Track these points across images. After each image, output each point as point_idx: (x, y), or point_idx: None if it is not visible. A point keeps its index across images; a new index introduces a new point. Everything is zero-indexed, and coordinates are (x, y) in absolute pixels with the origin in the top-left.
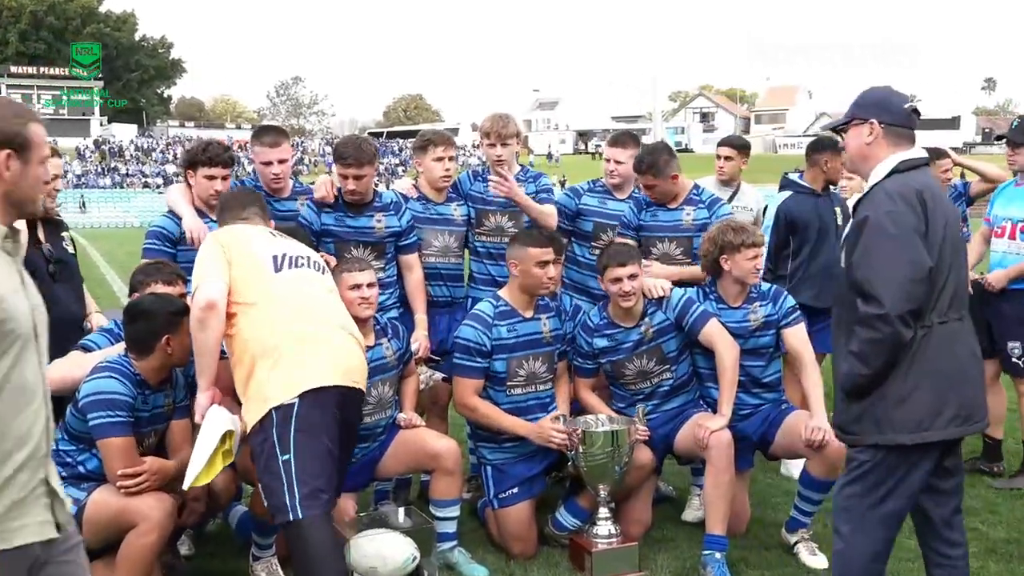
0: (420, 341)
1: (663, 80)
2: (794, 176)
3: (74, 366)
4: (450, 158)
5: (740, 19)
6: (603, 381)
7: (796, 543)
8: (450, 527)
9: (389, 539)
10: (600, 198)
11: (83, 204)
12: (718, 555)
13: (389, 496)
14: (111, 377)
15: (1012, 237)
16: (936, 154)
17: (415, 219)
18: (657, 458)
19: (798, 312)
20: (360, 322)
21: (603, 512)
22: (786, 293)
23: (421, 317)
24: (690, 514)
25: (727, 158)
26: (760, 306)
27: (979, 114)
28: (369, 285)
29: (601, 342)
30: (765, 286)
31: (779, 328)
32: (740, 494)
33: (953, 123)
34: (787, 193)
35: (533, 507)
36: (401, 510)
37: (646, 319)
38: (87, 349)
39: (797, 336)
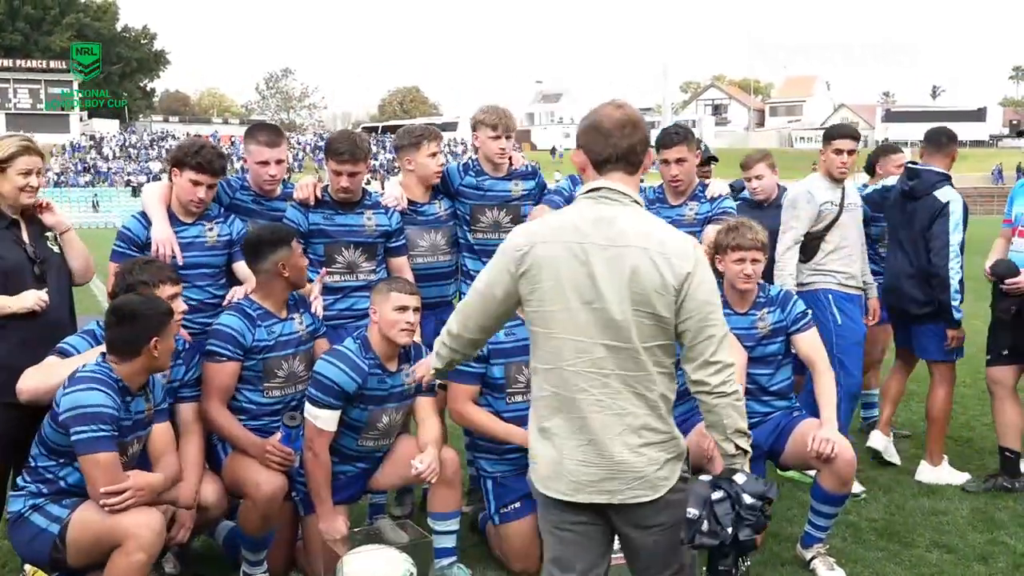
0: None
1: (673, 70)
2: (932, 168)
3: (49, 374)
4: (440, 152)
5: (740, 19)
6: None
7: (812, 559)
8: (449, 541)
9: (384, 555)
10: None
11: (95, 204)
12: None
13: (384, 510)
14: (94, 389)
15: None
16: (890, 149)
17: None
18: None
19: (808, 317)
20: (392, 347)
21: None
22: (796, 298)
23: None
24: None
25: (850, 152)
26: (768, 312)
27: (1007, 105)
28: (416, 309)
29: None
30: (774, 290)
31: (789, 334)
32: None
33: (979, 115)
34: (946, 187)
35: (536, 522)
36: (397, 524)
37: None
38: (64, 353)
39: (809, 342)
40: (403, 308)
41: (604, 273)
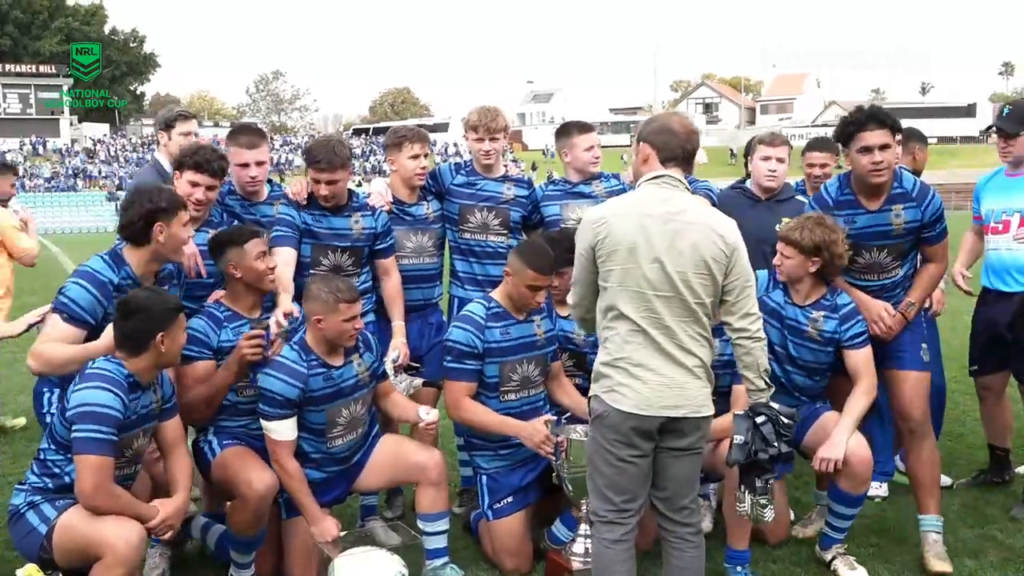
0: (400, 349)
1: (664, 69)
2: None
3: (56, 352)
4: (424, 155)
5: (733, 20)
6: None
7: (832, 559)
8: (440, 542)
9: (375, 558)
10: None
11: (119, 208)
12: (739, 568)
13: (376, 511)
14: (103, 389)
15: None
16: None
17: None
18: None
19: (865, 336)
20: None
21: (583, 529)
22: (860, 318)
23: (399, 324)
24: None
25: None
26: (824, 317)
27: (996, 100)
28: (362, 313)
29: None
30: (844, 300)
31: (841, 347)
32: (778, 500)
33: (969, 111)
34: None
35: (528, 520)
36: (388, 526)
37: None
38: (68, 313)
39: (859, 359)
40: (352, 318)
41: (667, 242)
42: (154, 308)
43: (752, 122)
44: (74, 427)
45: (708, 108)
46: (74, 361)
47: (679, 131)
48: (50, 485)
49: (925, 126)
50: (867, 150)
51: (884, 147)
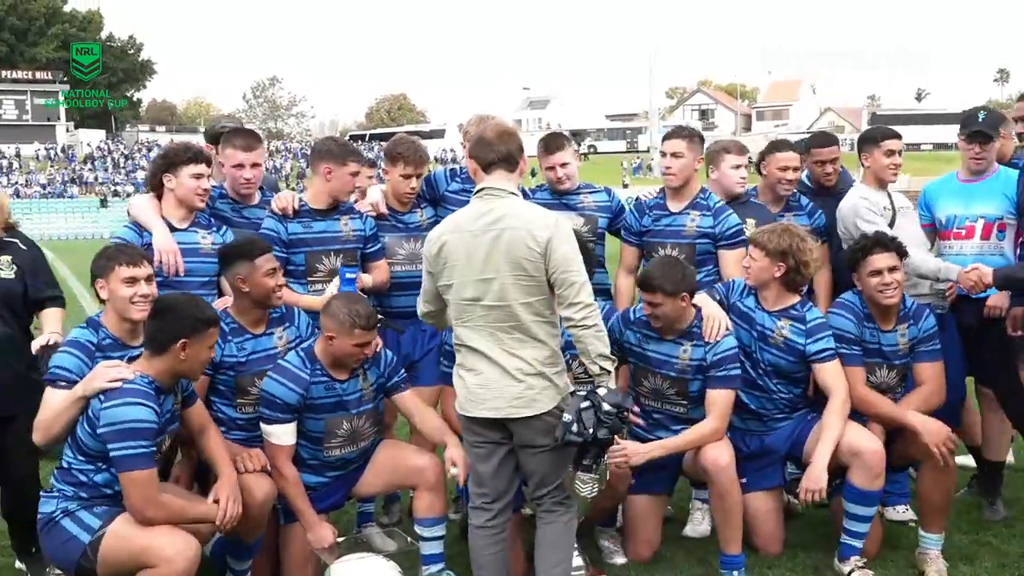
0: (363, 280)
1: (661, 74)
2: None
3: (47, 409)
4: (418, 176)
5: (752, 31)
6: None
7: (850, 573)
8: (436, 548)
9: (372, 563)
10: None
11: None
12: (735, 573)
13: (372, 518)
14: (136, 404)
15: (985, 237)
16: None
17: (379, 228)
18: (669, 480)
19: (832, 351)
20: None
21: None
22: (827, 333)
23: (368, 278)
24: (691, 529)
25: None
26: (791, 325)
27: (992, 107)
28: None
29: (632, 337)
30: (814, 314)
31: (809, 360)
32: (771, 514)
33: None
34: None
35: (519, 525)
36: (385, 533)
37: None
38: (57, 381)
39: (828, 373)
40: (365, 344)
41: (487, 252)
42: (183, 311)
43: (748, 128)
44: (111, 445)
45: (704, 115)
46: (63, 411)
47: (491, 137)
48: (82, 495)
49: (920, 133)
50: (876, 273)
51: (892, 269)
